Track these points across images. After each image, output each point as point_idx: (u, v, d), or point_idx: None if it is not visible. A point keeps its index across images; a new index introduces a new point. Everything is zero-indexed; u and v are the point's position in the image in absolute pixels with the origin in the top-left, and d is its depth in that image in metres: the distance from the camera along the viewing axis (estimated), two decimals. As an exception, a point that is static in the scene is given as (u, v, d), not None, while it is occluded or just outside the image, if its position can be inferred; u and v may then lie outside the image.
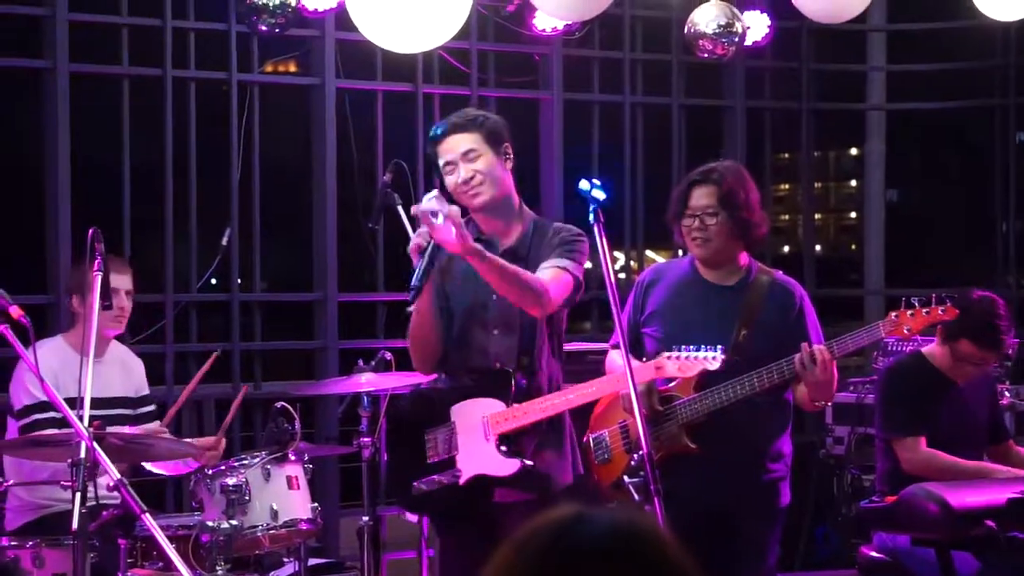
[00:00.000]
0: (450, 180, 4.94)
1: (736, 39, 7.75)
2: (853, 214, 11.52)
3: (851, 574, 6.30)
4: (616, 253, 8.82)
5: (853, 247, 10.94)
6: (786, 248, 11.91)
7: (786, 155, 10.32)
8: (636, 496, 4.60)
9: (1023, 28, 8.56)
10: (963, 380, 6.07)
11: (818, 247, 16.13)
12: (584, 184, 4.86)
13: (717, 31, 7.71)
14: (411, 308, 4.91)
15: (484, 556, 2.12)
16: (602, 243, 4.68)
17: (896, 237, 9.92)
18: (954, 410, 6.05)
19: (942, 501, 5.22)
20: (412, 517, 5.26)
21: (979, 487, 5.50)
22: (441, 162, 4.97)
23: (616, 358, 5.62)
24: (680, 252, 5.83)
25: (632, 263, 8.86)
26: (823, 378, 5.08)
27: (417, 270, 4.71)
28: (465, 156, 4.93)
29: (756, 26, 8.22)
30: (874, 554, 5.91)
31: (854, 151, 10.98)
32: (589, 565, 1.76)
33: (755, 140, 9.10)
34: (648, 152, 8.71)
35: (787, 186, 12.19)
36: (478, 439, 4.96)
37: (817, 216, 16.96)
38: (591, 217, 4.80)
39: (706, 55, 7.79)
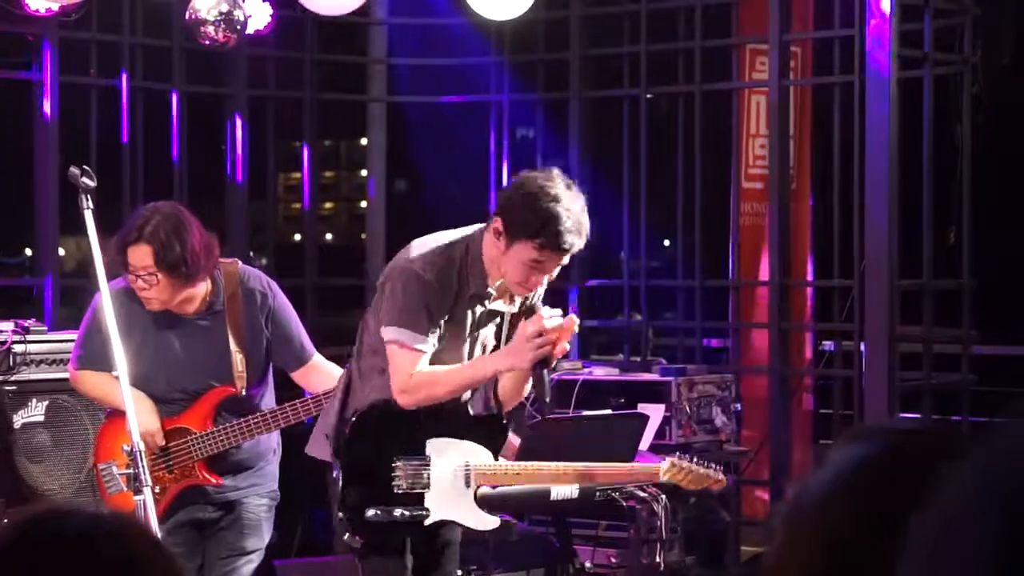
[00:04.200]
0: (533, 278, 4.70)
1: (238, 27, 7.72)
2: (364, 203, 11.69)
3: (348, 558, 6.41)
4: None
5: (363, 236, 11.11)
6: (297, 236, 11.99)
7: (298, 144, 10.37)
8: (124, 487, 4.56)
9: (506, 29, 8.92)
10: None
11: (330, 236, 16.30)
12: (74, 170, 4.78)
13: (218, 18, 7.65)
14: None
15: None
16: (93, 231, 4.61)
17: (399, 227, 10.12)
18: None
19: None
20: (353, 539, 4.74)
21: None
22: (534, 257, 4.64)
23: (88, 378, 5.38)
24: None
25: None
26: None
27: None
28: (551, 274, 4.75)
29: (258, 15, 8.21)
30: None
31: (364, 141, 11.14)
32: (55, 555, 1.74)
33: (259, 129, 9.10)
34: (149, 139, 8.56)
35: (298, 175, 12.27)
36: (455, 483, 4.70)
37: (329, 205, 17.12)
38: (82, 202, 4.72)
39: (208, 42, 7.73)
